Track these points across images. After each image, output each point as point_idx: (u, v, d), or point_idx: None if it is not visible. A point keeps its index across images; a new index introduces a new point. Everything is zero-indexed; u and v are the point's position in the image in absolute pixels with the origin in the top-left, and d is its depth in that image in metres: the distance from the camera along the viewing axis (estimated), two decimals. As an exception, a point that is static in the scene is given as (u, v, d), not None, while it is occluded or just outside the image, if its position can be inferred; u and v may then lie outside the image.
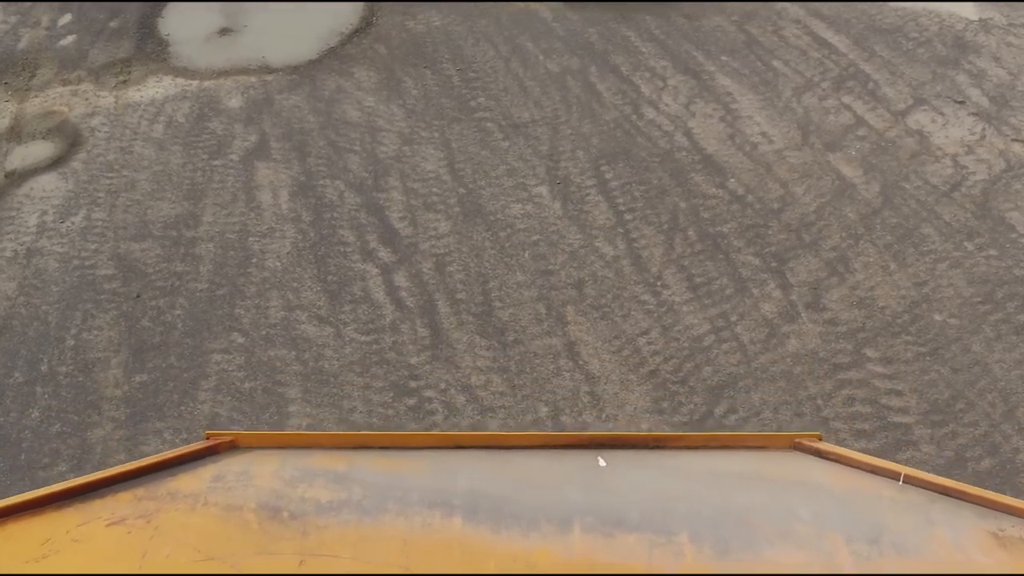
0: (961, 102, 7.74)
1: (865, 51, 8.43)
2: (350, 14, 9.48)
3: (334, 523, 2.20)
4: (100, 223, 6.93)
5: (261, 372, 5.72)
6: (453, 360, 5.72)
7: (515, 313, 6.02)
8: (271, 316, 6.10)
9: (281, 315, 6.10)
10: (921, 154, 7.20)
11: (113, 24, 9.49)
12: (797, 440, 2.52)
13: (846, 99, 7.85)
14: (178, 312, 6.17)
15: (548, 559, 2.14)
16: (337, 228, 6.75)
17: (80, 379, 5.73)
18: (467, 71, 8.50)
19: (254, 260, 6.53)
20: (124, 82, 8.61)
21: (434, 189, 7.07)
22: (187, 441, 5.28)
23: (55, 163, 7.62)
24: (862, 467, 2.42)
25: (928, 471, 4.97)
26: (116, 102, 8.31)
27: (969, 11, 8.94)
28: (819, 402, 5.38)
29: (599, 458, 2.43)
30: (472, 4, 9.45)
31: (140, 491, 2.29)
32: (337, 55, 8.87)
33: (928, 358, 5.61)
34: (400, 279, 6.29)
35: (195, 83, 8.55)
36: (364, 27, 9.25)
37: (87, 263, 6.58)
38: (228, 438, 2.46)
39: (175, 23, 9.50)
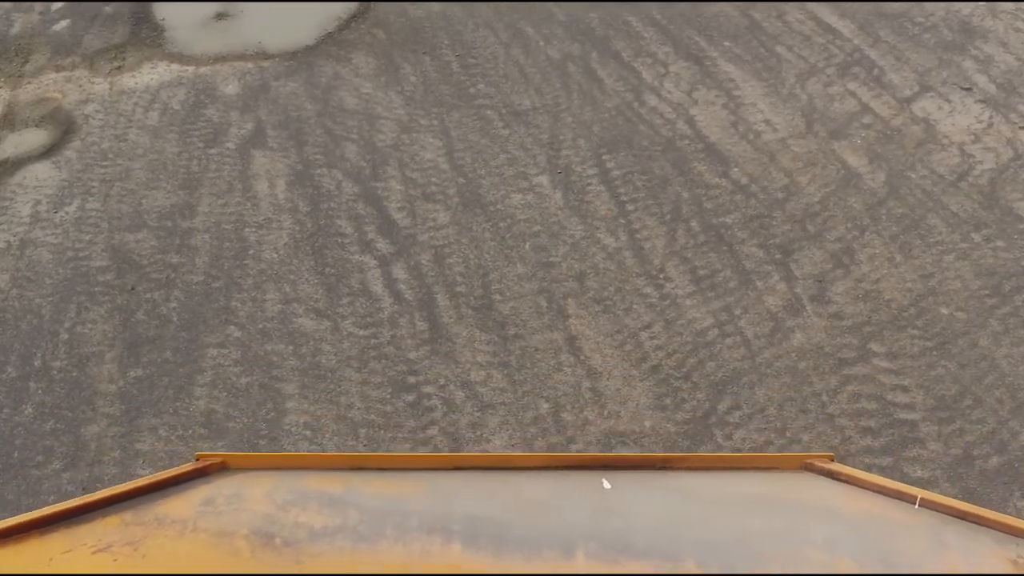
0: (968, 89, 7.62)
1: (870, 36, 8.30)
2: (348, -2, 9.36)
3: (328, 550, 2.12)
4: (94, 213, 6.84)
5: (258, 367, 5.63)
6: (452, 355, 5.64)
7: (516, 306, 5.94)
8: (268, 309, 6.01)
9: (278, 308, 6.01)
10: (927, 142, 7.09)
11: (108, 9, 9.36)
12: (808, 461, 2.43)
13: (851, 86, 7.73)
14: (173, 305, 6.08)
15: None
16: (335, 219, 6.65)
17: (74, 374, 5.65)
18: (466, 57, 8.38)
19: (251, 252, 6.44)
20: (119, 68, 8.49)
21: (433, 179, 6.97)
22: (182, 438, 5.21)
23: (49, 151, 7.51)
24: (876, 489, 2.34)
25: (934, 469, 4.93)
26: (110, 89, 8.20)
27: (976, -5, 8.81)
28: (824, 398, 5.30)
29: (604, 480, 2.34)
30: (471, -12, 9.33)
31: (127, 516, 2.21)
32: (335, 40, 8.75)
33: (934, 353, 5.53)
34: (399, 271, 6.20)
35: (191, 69, 8.43)
36: (362, 12, 9.12)
37: (81, 254, 6.49)
38: (218, 459, 2.38)
39: (171, 8, 9.36)
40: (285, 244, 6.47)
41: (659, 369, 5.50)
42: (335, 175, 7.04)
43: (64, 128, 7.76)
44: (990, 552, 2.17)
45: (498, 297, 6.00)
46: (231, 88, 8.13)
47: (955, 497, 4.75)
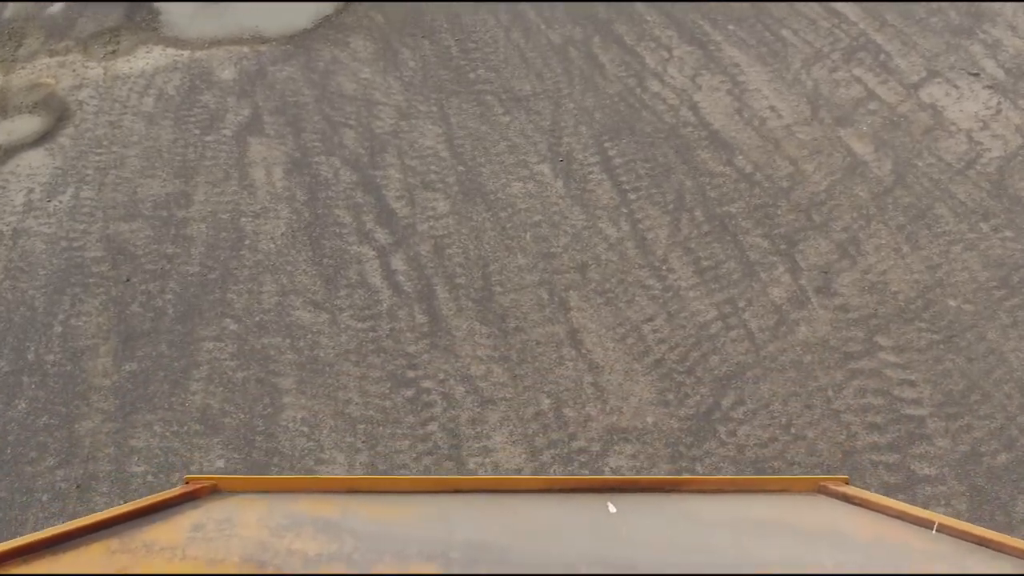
0: (976, 74, 7.50)
1: (876, 20, 8.16)
2: (345, -20, 9.20)
3: None
4: (89, 202, 6.73)
5: (254, 361, 5.55)
6: (452, 349, 5.55)
7: (516, 299, 5.84)
8: (264, 301, 5.92)
9: (275, 300, 5.92)
10: (934, 129, 6.97)
11: (101, -9, 9.22)
12: (822, 484, 2.34)
13: (857, 71, 7.60)
14: (169, 297, 5.99)
15: None
16: (332, 208, 6.54)
17: (68, 368, 5.56)
18: (466, 41, 8.24)
19: (247, 242, 6.34)
20: (113, 52, 8.36)
21: (432, 167, 6.86)
22: (177, 434, 5.13)
23: (42, 138, 7.40)
24: (892, 513, 2.25)
25: (942, 466, 4.84)
26: (105, 74, 8.07)
27: (984, -23, 8.66)
28: (830, 393, 5.21)
29: (609, 503, 2.26)
30: (471, -30, 9.17)
31: (113, 543, 2.12)
32: (332, 24, 8.61)
33: (942, 346, 5.44)
34: (397, 262, 6.10)
35: (186, 53, 8.30)
36: (360, -6, 8.97)
37: (75, 244, 6.39)
38: (209, 483, 2.29)
39: (165, -10, 9.21)
40: (282, 234, 6.37)
41: (662, 363, 5.42)
42: (333, 163, 6.93)
43: (58, 114, 7.63)
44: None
45: (498, 289, 5.91)
46: (227, 73, 8.00)
47: (962, 495, 4.70)
